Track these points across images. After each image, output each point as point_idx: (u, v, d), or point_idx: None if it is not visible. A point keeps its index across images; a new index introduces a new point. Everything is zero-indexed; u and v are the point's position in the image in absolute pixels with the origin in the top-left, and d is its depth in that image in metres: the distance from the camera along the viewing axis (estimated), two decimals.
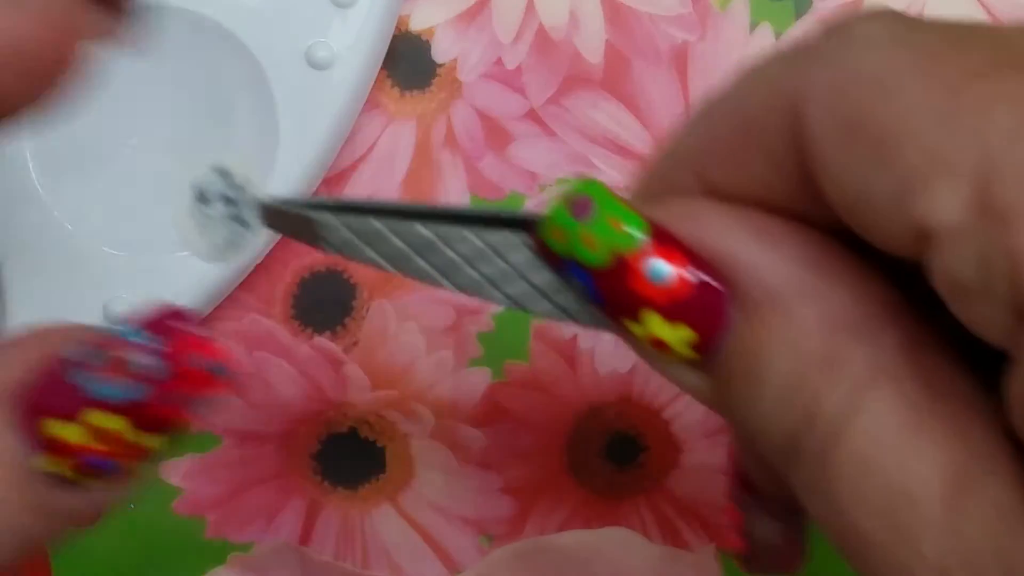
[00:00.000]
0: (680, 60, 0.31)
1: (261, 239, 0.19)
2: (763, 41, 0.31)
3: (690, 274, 0.16)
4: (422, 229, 0.18)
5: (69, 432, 0.16)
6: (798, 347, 0.16)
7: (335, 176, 0.31)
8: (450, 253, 0.18)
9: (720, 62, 0.31)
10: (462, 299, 0.30)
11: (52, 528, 0.17)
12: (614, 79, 0.31)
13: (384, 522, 0.31)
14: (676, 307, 0.16)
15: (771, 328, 0.16)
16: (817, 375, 0.15)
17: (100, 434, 0.16)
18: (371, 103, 0.31)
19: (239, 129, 0.30)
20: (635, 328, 0.17)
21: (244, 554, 0.30)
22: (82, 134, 0.29)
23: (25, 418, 0.16)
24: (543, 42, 0.31)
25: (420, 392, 0.31)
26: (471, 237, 0.18)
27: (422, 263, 0.18)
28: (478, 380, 0.31)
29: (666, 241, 0.16)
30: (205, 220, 0.19)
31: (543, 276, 0.18)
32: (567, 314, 0.18)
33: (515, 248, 0.18)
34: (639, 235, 0.16)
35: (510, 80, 0.31)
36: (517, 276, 0.18)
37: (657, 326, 0.16)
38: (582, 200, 0.17)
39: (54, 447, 0.16)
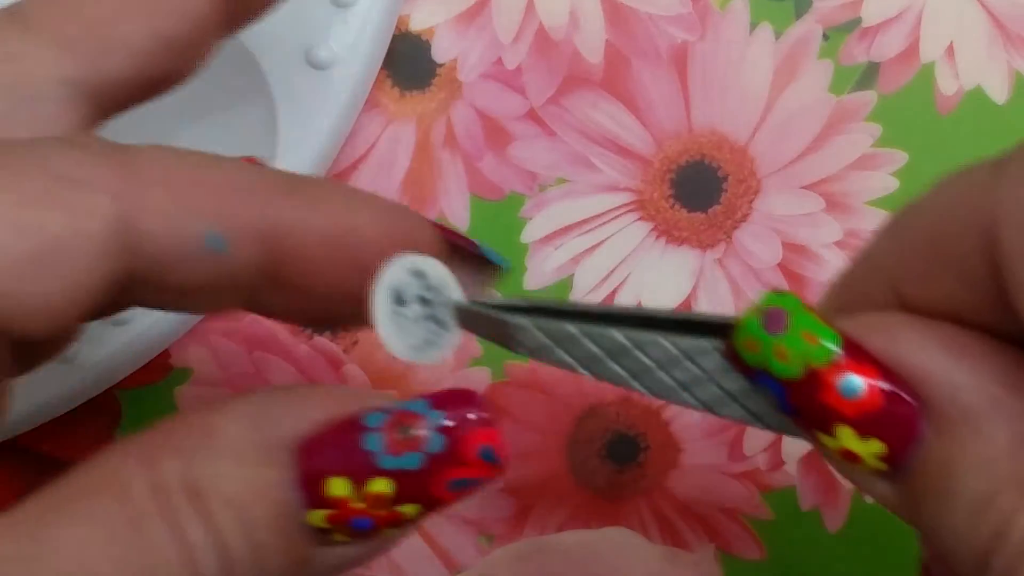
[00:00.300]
0: (680, 60, 0.31)
1: (457, 339, 0.19)
2: (763, 41, 0.31)
3: (882, 389, 0.16)
4: (617, 335, 0.18)
5: (348, 493, 0.16)
6: (990, 466, 0.16)
7: (335, 176, 0.31)
8: (643, 358, 0.18)
9: (720, 62, 0.31)
10: None
11: None
12: (614, 79, 0.31)
13: None
14: (868, 421, 0.16)
15: (964, 446, 0.16)
16: (1009, 495, 0.15)
17: (366, 496, 0.16)
18: (371, 103, 0.31)
19: (239, 129, 0.30)
20: (827, 440, 0.17)
21: None
22: None
23: (307, 473, 0.16)
24: (543, 42, 0.31)
25: (420, 392, 0.31)
26: (663, 342, 0.18)
27: (614, 366, 0.18)
28: (478, 380, 0.31)
29: (859, 355, 0.16)
30: (402, 321, 0.19)
31: (734, 381, 0.18)
32: (758, 419, 0.18)
33: (706, 353, 0.18)
34: (833, 349, 0.16)
35: (510, 80, 0.31)
36: (708, 380, 0.18)
37: (849, 439, 0.17)
38: (775, 312, 0.17)
39: (328, 505, 0.16)
